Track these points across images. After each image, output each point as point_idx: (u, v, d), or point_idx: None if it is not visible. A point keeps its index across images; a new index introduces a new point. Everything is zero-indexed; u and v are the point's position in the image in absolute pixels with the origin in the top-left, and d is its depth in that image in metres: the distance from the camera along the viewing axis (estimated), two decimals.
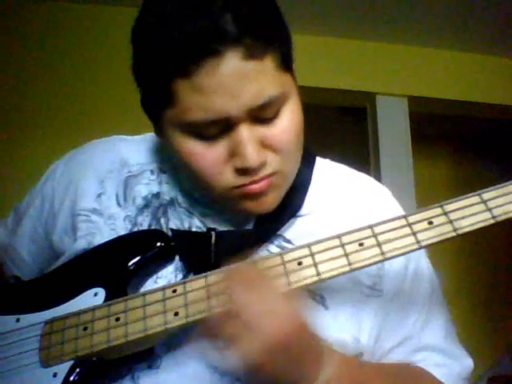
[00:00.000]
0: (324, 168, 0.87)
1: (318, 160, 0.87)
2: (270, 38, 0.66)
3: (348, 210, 0.81)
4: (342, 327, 0.75)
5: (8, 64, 2.37)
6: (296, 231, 0.79)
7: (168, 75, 0.64)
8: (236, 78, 0.63)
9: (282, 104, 0.69)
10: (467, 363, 0.85)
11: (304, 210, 0.81)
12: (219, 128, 0.66)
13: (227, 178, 0.69)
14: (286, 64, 0.69)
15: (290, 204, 0.79)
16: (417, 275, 0.84)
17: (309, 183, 0.82)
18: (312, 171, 0.84)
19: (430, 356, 0.82)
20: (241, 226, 0.79)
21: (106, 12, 2.50)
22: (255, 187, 0.70)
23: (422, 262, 0.85)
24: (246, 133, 0.66)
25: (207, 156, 0.68)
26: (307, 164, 0.84)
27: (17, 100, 2.36)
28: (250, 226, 0.79)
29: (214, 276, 0.67)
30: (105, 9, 2.50)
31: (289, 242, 0.78)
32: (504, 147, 3.66)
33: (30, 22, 2.44)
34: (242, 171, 0.68)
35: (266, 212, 0.75)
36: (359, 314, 0.77)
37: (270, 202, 0.74)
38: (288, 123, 0.70)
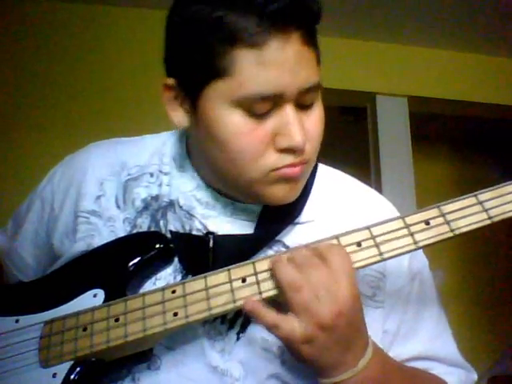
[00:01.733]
0: (326, 176, 0.87)
1: (320, 167, 0.87)
2: (315, 31, 0.72)
3: (348, 220, 0.81)
4: None
5: (8, 64, 2.36)
6: (296, 238, 0.79)
7: (231, 43, 0.65)
8: (297, 60, 0.66)
9: (317, 96, 0.72)
10: (473, 375, 0.87)
11: (304, 217, 0.81)
12: (270, 105, 0.68)
13: (268, 159, 0.70)
14: (319, 61, 0.73)
15: (291, 210, 0.79)
16: (422, 289, 0.85)
17: (310, 189, 0.83)
18: (314, 178, 0.84)
19: (440, 366, 0.84)
20: (241, 230, 0.78)
21: (106, 12, 2.50)
22: (294, 170, 0.71)
23: (425, 275, 0.86)
24: (294, 113, 0.68)
25: (253, 134, 0.68)
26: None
27: (17, 100, 2.35)
28: (250, 230, 0.78)
29: (235, 269, 0.69)
30: (105, 9, 2.50)
31: (288, 248, 0.78)
32: (504, 147, 3.66)
33: (30, 22, 2.44)
34: (286, 151, 0.69)
35: (290, 200, 0.76)
36: None
37: (298, 189, 0.76)
38: (319, 114, 0.73)
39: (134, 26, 2.40)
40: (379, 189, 2.69)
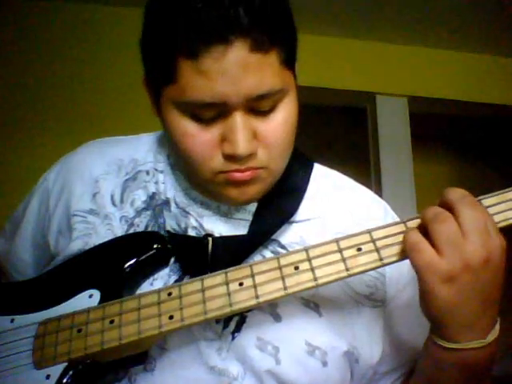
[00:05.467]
0: (322, 175, 0.87)
1: (316, 166, 0.87)
2: (277, 33, 0.67)
3: (344, 219, 0.81)
4: (336, 334, 0.75)
5: (7, 64, 2.36)
6: (291, 237, 0.79)
7: (174, 53, 0.65)
8: (240, 67, 0.64)
9: (279, 100, 0.70)
10: None
11: (300, 216, 0.80)
12: (215, 112, 0.67)
13: (215, 162, 0.70)
14: (288, 61, 0.70)
15: (285, 208, 0.79)
16: None
17: (305, 189, 0.82)
18: (309, 177, 0.84)
19: None
20: (236, 228, 0.78)
21: (106, 12, 2.50)
22: (239, 175, 0.71)
23: None
24: (240, 121, 0.67)
25: (200, 138, 0.69)
26: (304, 170, 0.84)
27: (16, 101, 2.35)
28: (244, 229, 0.78)
29: (232, 272, 0.68)
30: (105, 9, 2.50)
31: (283, 247, 0.78)
32: (504, 147, 3.65)
33: (31, 22, 2.44)
34: (230, 158, 0.69)
35: (248, 203, 0.76)
36: (352, 322, 0.76)
37: (252, 193, 0.74)
38: (282, 120, 0.71)
39: (134, 26, 2.39)
40: (379, 189, 2.69)
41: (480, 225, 0.60)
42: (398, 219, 0.84)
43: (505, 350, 3.33)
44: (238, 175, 0.70)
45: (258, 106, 0.68)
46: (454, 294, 0.60)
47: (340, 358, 0.74)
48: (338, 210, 0.83)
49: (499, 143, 3.74)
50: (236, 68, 0.64)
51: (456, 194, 0.63)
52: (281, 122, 0.71)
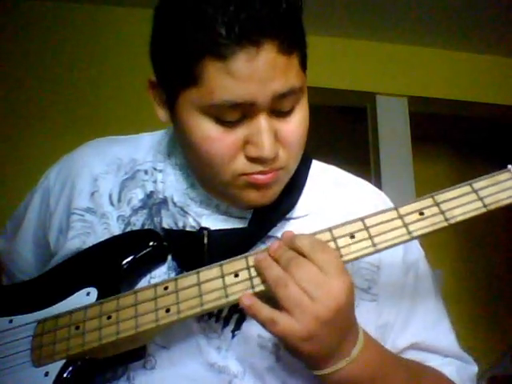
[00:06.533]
0: (320, 171, 0.87)
1: (314, 163, 0.88)
2: (298, 37, 0.70)
3: (343, 214, 0.81)
4: None
5: (7, 64, 2.36)
6: None
7: (201, 54, 0.65)
8: (269, 69, 0.65)
9: (297, 100, 0.71)
10: (472, 367, 0.86)
11: (298, 212, 0.81)
12: (241, 114, 0.67)
13: (238, 164, 0.70)
14: (304, 64, 0.72)
15: (284, 204, 0.79)
16: (418, 281, 0.84)
17: (303, 185, 0.83)
18: (308, 173, 0.84)
19: (437, 358, 0.83)
20: (234, 226, 0.78)
21: (106, 12, 2.50)
22: (263, 178, 0.71)
23: (421, 267, 0.86)
24: (265, 123, 0.68)
25: (223, 141, 0.68)
26: (303, 166, 0.84)
27: (17, 100, 2.36)
28: (243, 226, 0.78)
29: (228, 264, 0.68)
30: (105, 9, 2.50)
31: None
32: (504, 147, 3.65)
33: (31, 21, 2.44)
34: (255, 160, 0.69)
35: (265, 205, 0.76)
36: None
37: (272, 195, 0.75)
38: (300, 120, 0.72)
39: (134, 26, 2.39)
40: (379, 188, 2.67)
41: (315, 279, 0.62)
42: None
43: (505, 349, 3.34)
44: (260, 178, 0.71)
45: (281, 107, 0.69)
46: (315, 346, 0.62)
47: None
48: (336, 204, 0.83)
49: (499, 143, 3.74)
50: (265, 69, 0.65)
51: (285, 260, 0.64)
52: (299, 123, 0.72)
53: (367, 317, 0.77)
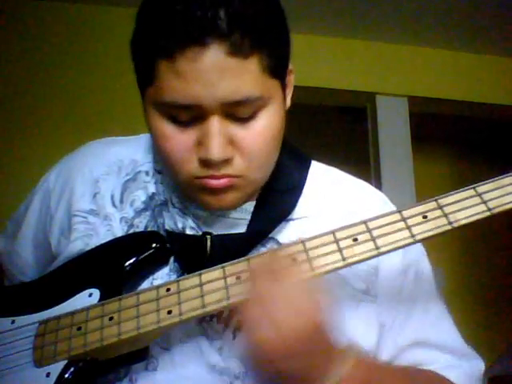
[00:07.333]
0: (319, 172, 0.87)
1: (314, 164, 0.87)
2: (259, 39, 0.65)
3: (342, 215, 0.80)
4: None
5: (8, 64, 2.36)
6: (289, 234, 0.78)
7: (153, 54, 0.66)
8: (216, 71, 0.63)
9: (259, 108, 0.68)
10: (479, 364, 0.84)
11: (297, 213, 0.80)
12: (191, 115, 0.67)
13: (191, 166, 0.70)
14: (273, 69, 0.68)
15: (282, 207, 0.79)
16: (418, 279, 0.83)
17: (302, 187, 0.82)
18: (306, 175, 0.84)
19: (441, 357, 0.82)
20: (234, 228, 0.79)
21: (106, 12, 2.50)
22: (214, 182, 0.70)
23: (421, 265, 0.85)
24: (216, 125, 0.66)
25: (176, 140, 0.69)
26: (301, 167, 0.84)
27: (17, 100, 2.35)
28: (242, 228, 0.78)
29: (230, 266, 0.68)
30: (105, 9, 2.50)
31: (281, 245, 0.77)
32: (504, 147, 3.65)
33: (30, 22, 2.44)
34: (205, 163, 0.68)
35: (226, 209, 0.76)
36: (351, 318, 0.76)
37: (229, 200, 0.73)
38: (261, 128, 0.69)
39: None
40: (379, 189, 2.67)
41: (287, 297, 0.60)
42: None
43: (505, 350, 3.33)
44: (212, 182, 0.70)
45: (236, 113, 0.67)
46: (294, 364, 0.60)
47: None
48: (336, 206, 0.82)
49: (499, 143, 3.74)
50: (211, 71, 0.63)
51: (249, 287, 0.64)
52: (260, 131, 0.69)
53: (367, 318, 0.77)
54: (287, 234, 0.79)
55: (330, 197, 0.84)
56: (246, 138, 0.69)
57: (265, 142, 0.70)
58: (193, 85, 0.64)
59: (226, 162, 0.68)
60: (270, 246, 0.77)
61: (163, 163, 0.75)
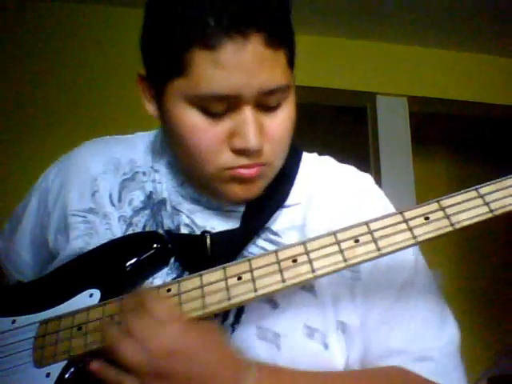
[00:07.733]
0: (310, 161, 0.87)
1: (305, 154, 0.88)
2: (286, 34, 0.71)
3: (333, 200, 0.81)
4: (326, 312, 0.75)
5: (8, 64, 2.36)
6: (282, 222, 0.79)
7: (189, 44, 0.66)
8: (256, 61, 0.66)
9: (284, 97, 0.71)
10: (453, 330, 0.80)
11: (290, 200, 0.81)
12: (226, 105, 0.68)
13: (223, 157, 0.70)
14: (291, 63, 0.73)
15: (276, 196, 0.79)
16: (412, 279, 0.80)
17: (294, 176, 0.83)
18: (298, 164, 0.85)
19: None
20: (228, 221, 0.79)
21: (106, 12, 2.50)
22: (247, 172, 0.71)
23: (418, 265, 0.82)
24: (251, 115, 0.68)
25: (209, 132, 0.69)
26: (293, 157, 0.84)
27: (16, 100, 2.35)
28: (236, 221, 0.79)
29: (231, 267, 0.68)
30: (105, 9, 2.50)
31: (276, 234, 0.78)
32: (504, 147, 3.65)
33: (30, 22, 2.44)
34: (240, 152, 0.70)
35: (250, 199, 0.76)
36: (340, 296, 0.76)
37: (256, 189, 0.75)
38: (286, 116, 0.72)
39: (134, 26, 2.40)
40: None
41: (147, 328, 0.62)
42: (383, 194, 0.86)
43: (504, 349, 3.33)
44: (245, 172, 0.71)
45: (267, 102, 0.69)
46: None
47: (336, 332, 0.74)
48: (327, 192, 0.82)
49: (499, 143, 3.74)
50: (252, 61, 0.65)
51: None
52: (285, 119, 0.72)
53: (355, 295, 0.76)
54: (281, 221, 0.79)
55: (322, 184, 0.84)
56: (273, 126, 0.71)
57: (288, 128, 0.74)
58: (235, 75, 0.65)
59: (259, 150, 0.70)
60: (265, 236, 0.78)
61: (186, 157, 0.74)
